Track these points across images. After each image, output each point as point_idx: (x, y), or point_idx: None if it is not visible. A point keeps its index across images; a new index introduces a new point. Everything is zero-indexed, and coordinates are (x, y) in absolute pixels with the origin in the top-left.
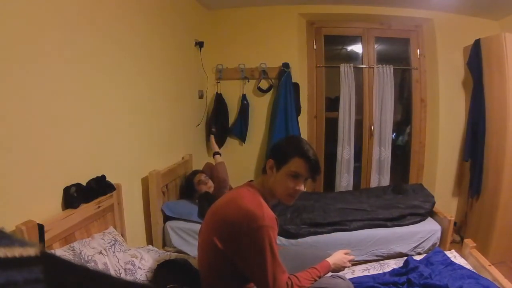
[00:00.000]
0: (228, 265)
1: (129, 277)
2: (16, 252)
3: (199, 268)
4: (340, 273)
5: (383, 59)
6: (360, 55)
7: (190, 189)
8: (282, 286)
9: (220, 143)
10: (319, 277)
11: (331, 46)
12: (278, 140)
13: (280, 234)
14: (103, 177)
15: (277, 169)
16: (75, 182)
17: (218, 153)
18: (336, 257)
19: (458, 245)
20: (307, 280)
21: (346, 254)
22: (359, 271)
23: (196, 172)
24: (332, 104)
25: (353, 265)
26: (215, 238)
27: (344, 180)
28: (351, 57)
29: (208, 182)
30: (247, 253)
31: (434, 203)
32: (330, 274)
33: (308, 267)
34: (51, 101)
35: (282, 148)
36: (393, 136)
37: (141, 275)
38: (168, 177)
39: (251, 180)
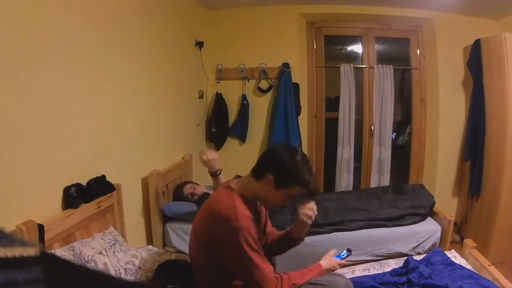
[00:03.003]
0: (214, 265)
1: (129, 277)
2: (16, 252)
3: (193, 267)
4: (340, 272)
5: (383, 59)
6: (360, 55)
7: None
8: (272, 282)
9: (220, 143)
10: (311, 277)
11: (331, 46)
12: (280, 153)
13: None
14: (103, 177)
15: (275, 187)
16: (75, 182)
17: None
18: (327, 261)
19: (458, 245)
20: (298, 278)
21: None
22: (359, 271)
23: (182, 187)
24: (332, 104)
25: (353, 265)
26: (199, 244)
27: (344, 180)
28: (351, 57)
29: (197, 188)
30: (229, 256)
31: (434, 203)
32: None
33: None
34: (51, 101)
35: (284, 169)
36: (393, 136)
37: (141, 275)
38: (168, 177)
39: (238, 176)
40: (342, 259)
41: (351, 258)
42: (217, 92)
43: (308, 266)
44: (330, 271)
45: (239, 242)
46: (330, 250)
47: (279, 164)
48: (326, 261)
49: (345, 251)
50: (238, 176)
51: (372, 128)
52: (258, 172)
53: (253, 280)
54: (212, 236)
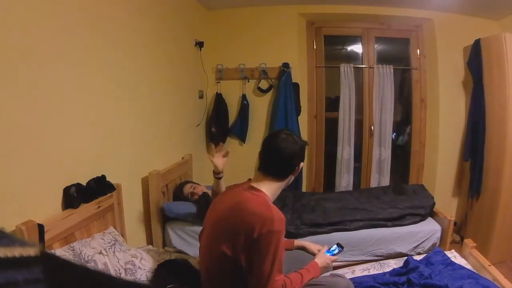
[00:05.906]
0: (233, 271)
1: (129, 277)
2: (16, 252)
3: (201, 271)
4: (340, 272)
5: (383, 59)
6: (360, 55)
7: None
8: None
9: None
10: (310, 278)
11: (331, 46)
12: (302, 142)
13: None
14: (103, 177)
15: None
16: (75, 182)
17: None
18: (322, 259)
19: (458, 245)
20: (298, 281)
21: (319, 250)
22: (359, 271)
23: (182, 187)
24: (332, 104)
25: (353, 265)
26: (223, 246)
27: (344, 180)
28: (351, 57)
29: (197, 188)
30: (254, 254)
31: (434, 204)
32: (329, 273)
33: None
34: (51, 101)
35: (301, 152)
36: (393, 136)
37: (141, 275)
38: (168, 177)
39: (250, 179)
40: (334, 255)
41: (351, 258)
42: (217, 92)
43: (305, 266)
44: (325, 268)
45: (269, 244)
46: (322, 247)
47: (303, 149)
48: (321, 260)
49: (335, 246)
50: (250, 180)
51: (372, 128)
52: (285, 172)
53: (261, 281)
54: (249, 237)
